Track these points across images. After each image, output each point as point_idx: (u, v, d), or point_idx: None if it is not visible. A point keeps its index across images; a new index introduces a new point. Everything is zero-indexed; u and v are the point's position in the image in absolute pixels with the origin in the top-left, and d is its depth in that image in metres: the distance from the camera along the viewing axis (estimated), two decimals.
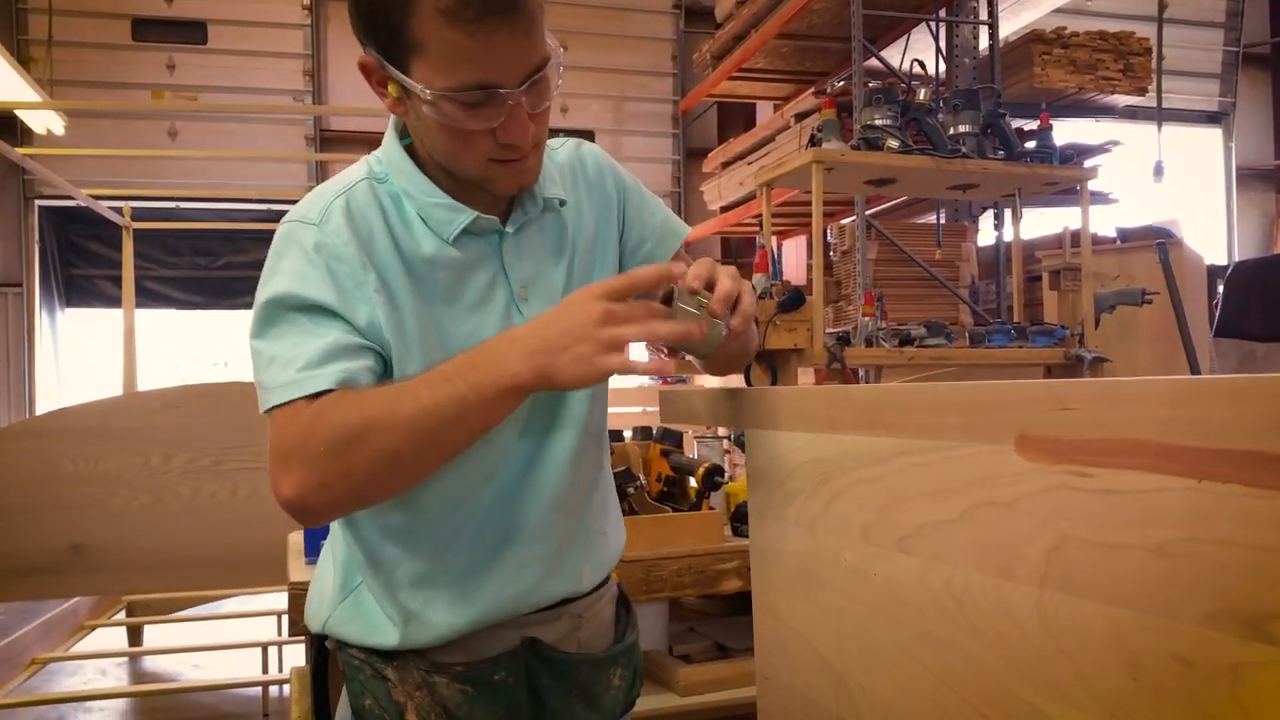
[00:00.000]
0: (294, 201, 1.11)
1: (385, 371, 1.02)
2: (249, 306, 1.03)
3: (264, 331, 0.99)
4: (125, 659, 4.27)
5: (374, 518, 1.10)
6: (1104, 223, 5.75)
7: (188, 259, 8.40)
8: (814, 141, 2.90)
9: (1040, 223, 6.46)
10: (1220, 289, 5.90)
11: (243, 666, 4.04)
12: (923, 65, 3.74)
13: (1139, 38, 7.43)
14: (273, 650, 3.84)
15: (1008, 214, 5.35)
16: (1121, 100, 7.74)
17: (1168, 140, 9.02)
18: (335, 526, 1.19)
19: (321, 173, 7.94)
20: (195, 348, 8.69)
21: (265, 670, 3.78)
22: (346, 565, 1.16)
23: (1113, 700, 0.58)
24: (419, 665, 1.11)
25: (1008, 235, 5.36)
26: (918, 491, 0.76)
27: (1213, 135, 10.54)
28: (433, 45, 0.93)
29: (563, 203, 1.15)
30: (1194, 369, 3.60)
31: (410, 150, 1.09)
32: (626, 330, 0.89)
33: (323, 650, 1.22)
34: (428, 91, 0.94)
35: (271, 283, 1.00)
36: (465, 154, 1.00)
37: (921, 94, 3.01)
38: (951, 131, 3.02)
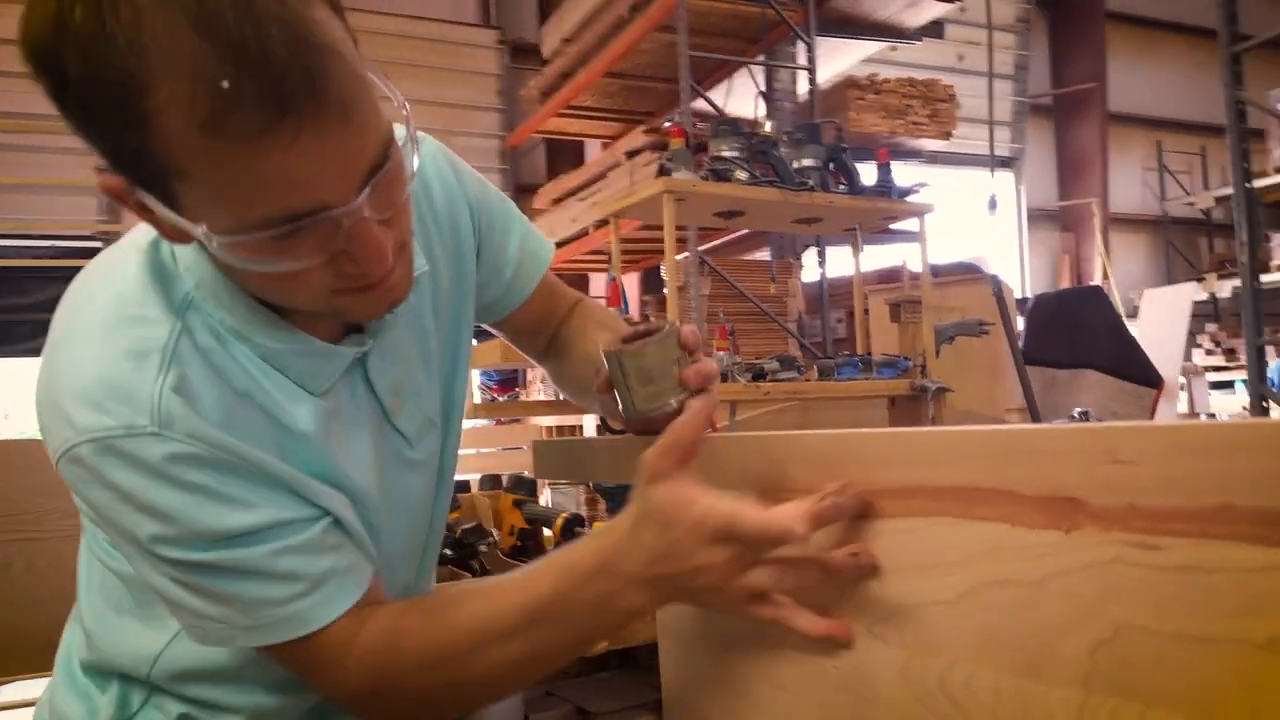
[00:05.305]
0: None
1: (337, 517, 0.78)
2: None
3: (189, 578, 0.71)
4: None
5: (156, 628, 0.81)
6: (912, 260, 6.04)
7: None
8: (664, 171, 2.81)
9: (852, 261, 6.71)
10: (1021, 321, 6.31)
11: None
12: (766, 98, 3.75)
13: (944, 85, 7.90)
14: None
15: (829, 251, 5.53)
16: (929, 145, 8.21)
17: (964, 183, 9.61)
18: (85, 604, 0.85)
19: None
20: None
21: None
22: (116, 678, 0.85)
23: None
24: None
25: (831, 272, 5.53)
26: (896, 564, 0.62)
27: (1005, 178, 11.37)
28: (200, 171, 0.59)
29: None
30: (1028, 395, 3.74)
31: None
32: (762, 580, 0.70)
33: None
34: (213, 238, 0.61)
35: (146, 530, 0.69)
36: (296, 294, 0.68)
37: (768, 127, 2.99)
38: (796, 165, 3.02)
